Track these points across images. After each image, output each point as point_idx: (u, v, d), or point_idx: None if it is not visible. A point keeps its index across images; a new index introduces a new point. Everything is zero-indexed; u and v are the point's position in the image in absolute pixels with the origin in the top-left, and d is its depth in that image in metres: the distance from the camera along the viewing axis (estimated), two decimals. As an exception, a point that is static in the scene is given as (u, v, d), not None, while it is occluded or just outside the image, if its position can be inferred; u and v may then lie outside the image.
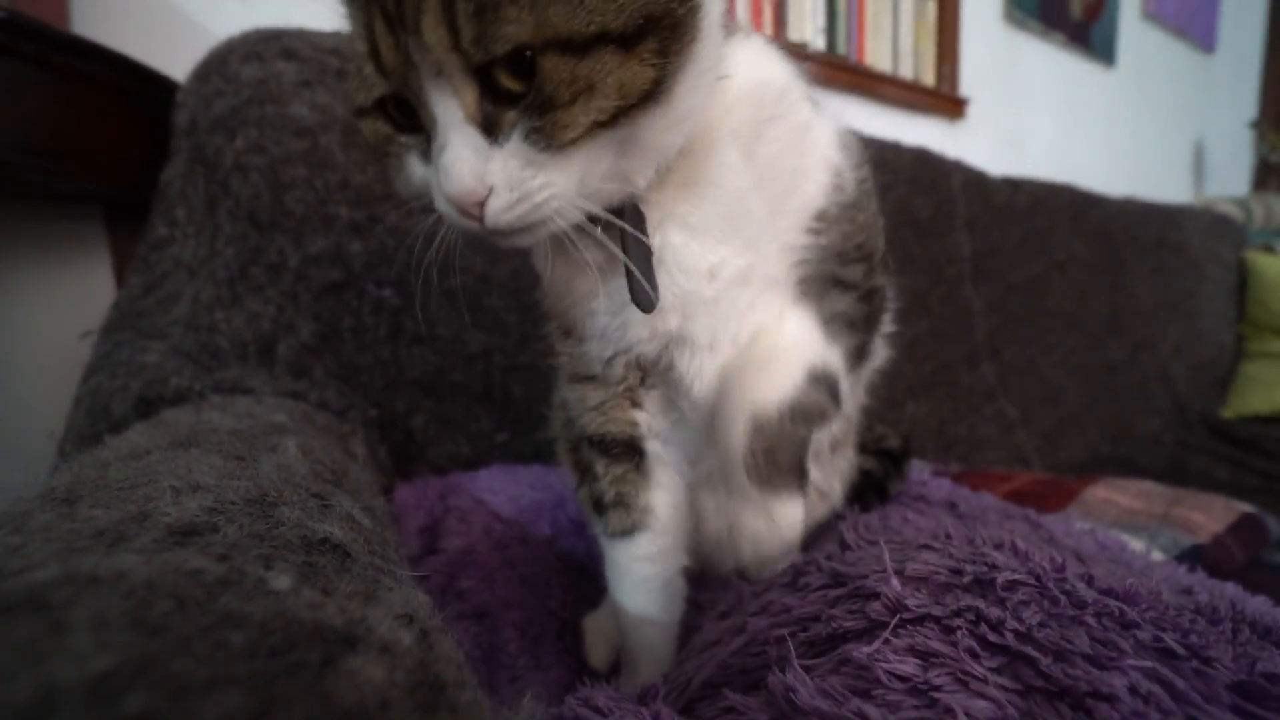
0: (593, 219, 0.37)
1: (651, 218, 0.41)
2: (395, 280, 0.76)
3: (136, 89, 0.79)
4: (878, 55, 1.67)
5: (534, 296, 0.52)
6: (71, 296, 0.88)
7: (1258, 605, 0.46)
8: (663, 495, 0.50)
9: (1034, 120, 2.16)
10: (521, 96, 0.32)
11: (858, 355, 0.51)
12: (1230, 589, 0.53)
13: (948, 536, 0.40)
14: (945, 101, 1.85)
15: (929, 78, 1.81)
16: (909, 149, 1.33)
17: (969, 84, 1.91)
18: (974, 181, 1.46)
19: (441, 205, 0.35)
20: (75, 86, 0.74)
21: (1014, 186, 1.58)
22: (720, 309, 0.44)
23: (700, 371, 0.45)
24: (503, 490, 0.74)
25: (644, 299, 0.39)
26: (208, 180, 0.73)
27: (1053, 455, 1.51)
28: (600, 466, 0.49)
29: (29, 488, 0.32)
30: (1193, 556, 0.77)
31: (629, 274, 0.39)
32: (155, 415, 0.60)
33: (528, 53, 0.31)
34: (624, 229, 0.38)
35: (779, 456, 0.43)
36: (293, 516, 0.30)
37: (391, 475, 0.73)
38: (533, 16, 0.30)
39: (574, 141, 0.33)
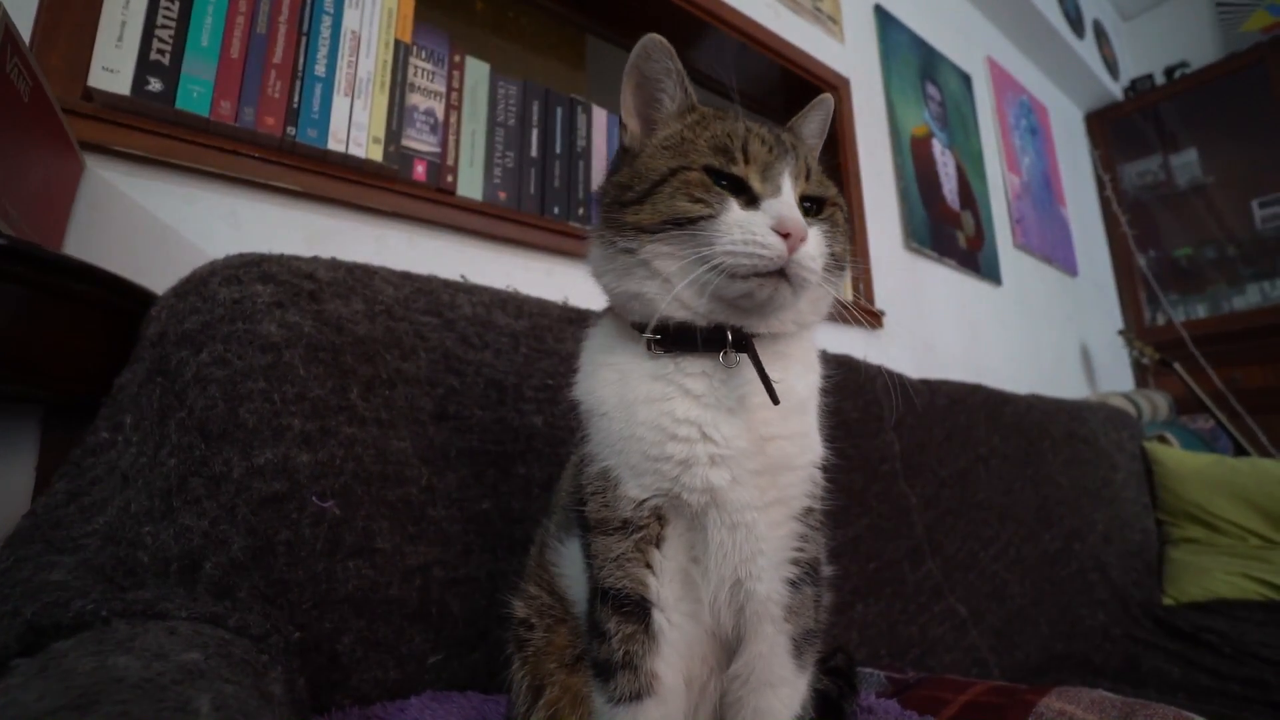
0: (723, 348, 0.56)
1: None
2: (341, 491, 0.75)
3: (114, 302, 0.82)
4: (801, 275, 1.92)
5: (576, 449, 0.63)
6: (-18, 502, 0.83)
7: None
8: (666, 667, 0.54)
9: (941, 328, 2.46)
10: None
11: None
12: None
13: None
14: (866, 314, 2.09)
15: (847, 294, 2.07)
16: (833, 356, 1.48)
17: (883, 299, 2.19)
18: (896, 384, 1.60)
19: (759, 234, 0.52)
20: (52, 301, 0.76)
21: (933, 388, 1.74)
22: (760, 484, 0.55)
23: (726, 536, 0.55)
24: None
25: (773, 395, 0.53)
26: (165, 390, 0.75)
27: (1009, 655, 1.48)
28: (612, 624, 0.54)
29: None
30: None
31: (762, 375, 0.53)
32: (45, 648, 0.55)
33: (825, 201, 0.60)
34: (755, 355, 0.55)
35: None
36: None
37: (307, 712, 0.66)
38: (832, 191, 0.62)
39: (836, 253, 0.59)
